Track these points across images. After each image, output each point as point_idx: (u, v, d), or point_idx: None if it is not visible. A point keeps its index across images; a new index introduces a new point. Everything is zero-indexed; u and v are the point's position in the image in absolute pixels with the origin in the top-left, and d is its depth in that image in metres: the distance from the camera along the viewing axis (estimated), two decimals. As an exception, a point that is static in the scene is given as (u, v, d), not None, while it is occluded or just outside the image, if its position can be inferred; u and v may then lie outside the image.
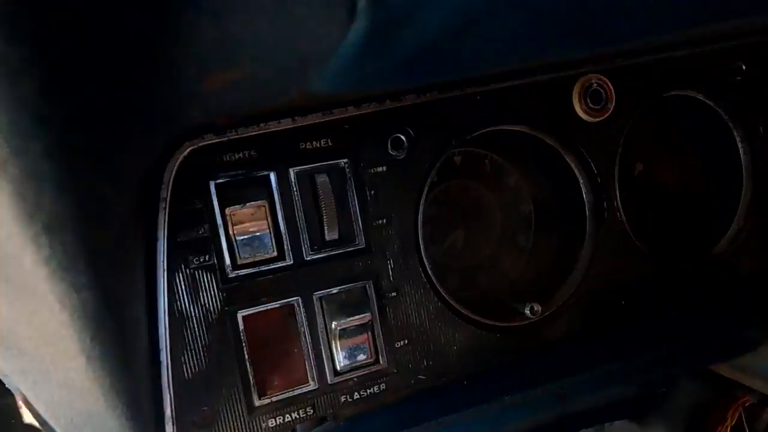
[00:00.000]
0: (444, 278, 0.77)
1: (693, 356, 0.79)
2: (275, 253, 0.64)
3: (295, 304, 0.65)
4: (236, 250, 0.62)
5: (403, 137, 0.68)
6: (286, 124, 0.63)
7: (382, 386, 0.68)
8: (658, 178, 0.94)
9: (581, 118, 0.76)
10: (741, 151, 0.87)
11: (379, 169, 0.67)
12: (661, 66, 0.79)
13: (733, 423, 1.53)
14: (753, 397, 1.32)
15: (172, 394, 0.59)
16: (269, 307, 0.64)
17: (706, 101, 0.85)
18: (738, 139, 0.87)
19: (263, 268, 0.64)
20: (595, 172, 0.77)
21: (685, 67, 0.81)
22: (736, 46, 0.83)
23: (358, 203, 0.67)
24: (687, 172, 0.94)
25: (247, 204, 0.62)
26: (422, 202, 0.70)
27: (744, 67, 0.84)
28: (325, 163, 0.65)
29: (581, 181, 0.79)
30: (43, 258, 0.34)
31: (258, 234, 0.63)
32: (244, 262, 0.63)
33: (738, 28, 0.82)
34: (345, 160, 0.66)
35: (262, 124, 0.62)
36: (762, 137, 0.87)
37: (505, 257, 0.90)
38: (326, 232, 0.66)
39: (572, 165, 0.78)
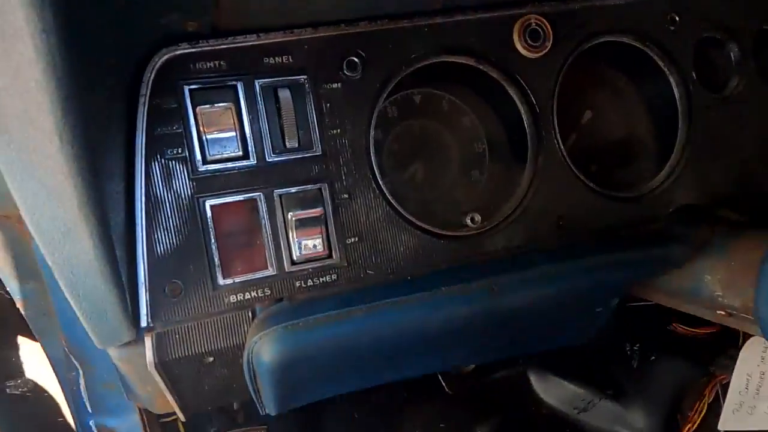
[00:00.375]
0: (402, 204, 0.86)
1: (622, 270, 0.87)
2: (240, 153, 0.74)
3: (257, 199, 0.74)
4: (206, 147, 0.72)
5: (357, 60, 0.78)
6: (251, 39, 0.73)
7: (334, 276, 0.77)
8: (603, 121, 1.03)
9: (521, 53, 0.85)
10: (676, 95, 0.96)
11: (335, 85, 0.77)
12: (597, 12, 0.89)
13: (710, 400, 1.60)
14: (730, 376, 1.39)
15: (146, 264, 0.69)
16: (234, 200, 0.73)
17: (643, 48, 0.94)
18: (673, 84, 0.96)
19: (229, 165, 0.73)
20: (534, 102, 0.86)
21: (620, 15, 0.90)
22: (668, -2, 0.92)
23: (315, 115, 0.76)
24: (630, 115, 1.03)
25: (216, 105, 0.72)
26: (374, 117, 0.79)
27: (677, 18, 0.94)
28: (287, 78, 0.75)
29: (523, 111, 0.88)
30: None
31: (225, 134, 0.73)
32: (213, 158, 0.73)
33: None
34: (304, 77, 0.76)
35: (230, 38, 0.72)
36: (694, 82, 0.95)
37: (461, 189, 0.99)
38: (286, 140, 0.75)
39: (515, 98, 0.87)
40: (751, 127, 0.97)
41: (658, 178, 0.95)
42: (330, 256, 0.77)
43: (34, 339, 1.07)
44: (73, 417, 1.09)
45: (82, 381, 1.08)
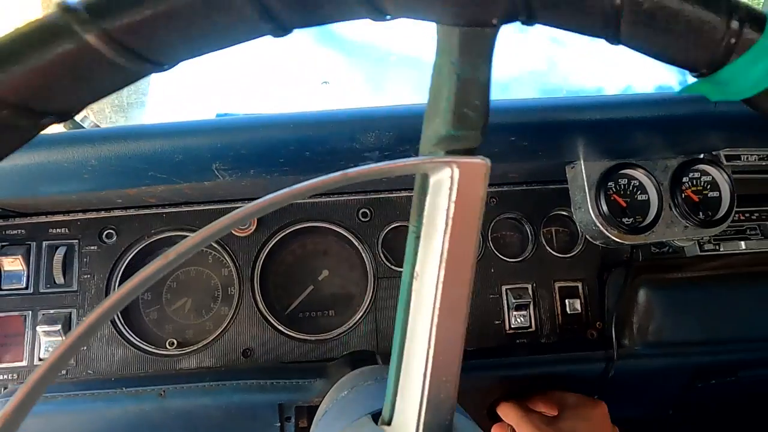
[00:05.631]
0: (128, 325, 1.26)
1: (268, 393, 1.18)
2: (24, 285, 1.20)
3: (27, 315, 1.19)
4: (1, 280, 1.19)
5: (113, 232, 1.24)
6: (42, 218, 1.22)
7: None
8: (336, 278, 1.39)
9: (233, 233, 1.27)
10: (367, 264, 1.31)
11: (93, 248, 1.23)
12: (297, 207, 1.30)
13: None
14: None
15: (-59, 349, 1.14)
16: (11, 314, 1.18)
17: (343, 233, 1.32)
18: (365, 258, 1.32)
19: (14, 291, 1.20)
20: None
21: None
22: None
23: (77, 265, 1.22)
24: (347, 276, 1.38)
25: (13, 255, 1.20)
26: (120, 270, 1.23)
27: (368, 212, 1.32)
28: (64, 241, 1.23)
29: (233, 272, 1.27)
30: None
31: (15, 272, 1.20)
32: (4, 287, 1.19)
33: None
34: (75, 241, 1.23)
35: (29, 217, 1.22)
36: (379, 257, 1.31)
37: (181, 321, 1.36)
38: (55, 278, 1.21)
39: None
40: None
41: (342, 327, 1.28)
42: (67, 357, 1.18)
43: None
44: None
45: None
